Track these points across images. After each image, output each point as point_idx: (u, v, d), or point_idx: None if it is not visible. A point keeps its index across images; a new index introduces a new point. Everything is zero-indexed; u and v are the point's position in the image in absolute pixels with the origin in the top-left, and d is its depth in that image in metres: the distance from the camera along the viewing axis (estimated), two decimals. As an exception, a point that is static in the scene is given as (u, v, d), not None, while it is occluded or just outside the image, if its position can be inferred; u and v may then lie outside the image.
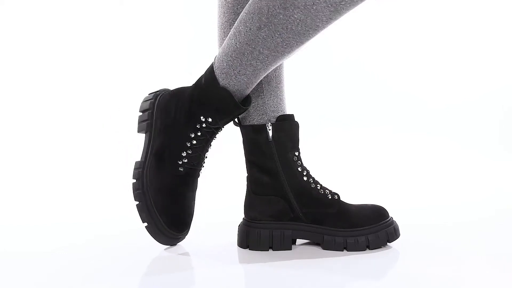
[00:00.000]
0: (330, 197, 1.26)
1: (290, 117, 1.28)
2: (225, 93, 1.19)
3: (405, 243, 1.27)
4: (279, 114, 1.28)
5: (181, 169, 1.24)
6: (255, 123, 1.27)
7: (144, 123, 1.27)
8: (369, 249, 1.23)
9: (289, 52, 1.14)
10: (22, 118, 2.30)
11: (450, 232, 1.42)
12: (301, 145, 1.29)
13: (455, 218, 1.56)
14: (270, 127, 1.25)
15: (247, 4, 1.16)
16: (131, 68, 2.45)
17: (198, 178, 1.28)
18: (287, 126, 1.26)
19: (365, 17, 2.57)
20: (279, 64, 1.19)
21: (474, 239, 1.36)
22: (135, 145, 2.24)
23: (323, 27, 1.09)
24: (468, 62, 2.59)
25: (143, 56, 2.48)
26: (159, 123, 1.26)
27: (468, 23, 2.61)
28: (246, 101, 1.23)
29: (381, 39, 2.62)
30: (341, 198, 1.27)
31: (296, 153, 1.27)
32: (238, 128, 1.31)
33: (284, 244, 1.25)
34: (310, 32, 1.09)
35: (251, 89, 1.22)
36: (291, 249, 1.25)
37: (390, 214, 1.27)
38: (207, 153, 1.27)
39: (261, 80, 1.27)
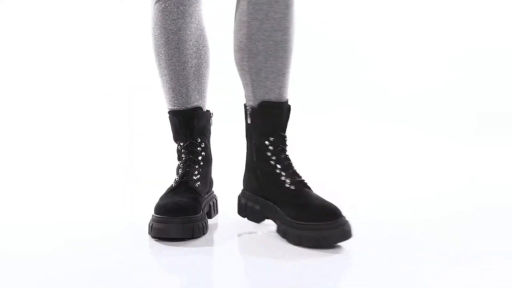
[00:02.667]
0: (291, 187, 1.30)
1: (274, 104, 1.33)
2: None
3: (397, 241, 1.27)
4: (263, 100, 1.33)
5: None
6: (247, 104, 1.38)
7: None
8: (320, 248, 1.21)
9: None
10: (21, 118, 2.30)
11: (439, 228, 1.43)
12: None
13: (439, 212, 1.57)
14: (250, 111, 1.34)
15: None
16: (130, 68, 2.45)
17: None
18: (267, 112, 1.32)
19: (352, 11, 2.61)
20: None
21: (462, 235, 1.37)
22: (135, 144, 2.25)
23: None
24: (433, 49, 2.60)
25: (142, 56, 2.48)
26: None
27: (430, 13, 2.63)
28: None
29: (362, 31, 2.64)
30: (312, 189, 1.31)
31: (272, 138, 1.32)
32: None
33: (254, 216, 1.37)
34: None
35: None
36: (259, 222, 1.37)
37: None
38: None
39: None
